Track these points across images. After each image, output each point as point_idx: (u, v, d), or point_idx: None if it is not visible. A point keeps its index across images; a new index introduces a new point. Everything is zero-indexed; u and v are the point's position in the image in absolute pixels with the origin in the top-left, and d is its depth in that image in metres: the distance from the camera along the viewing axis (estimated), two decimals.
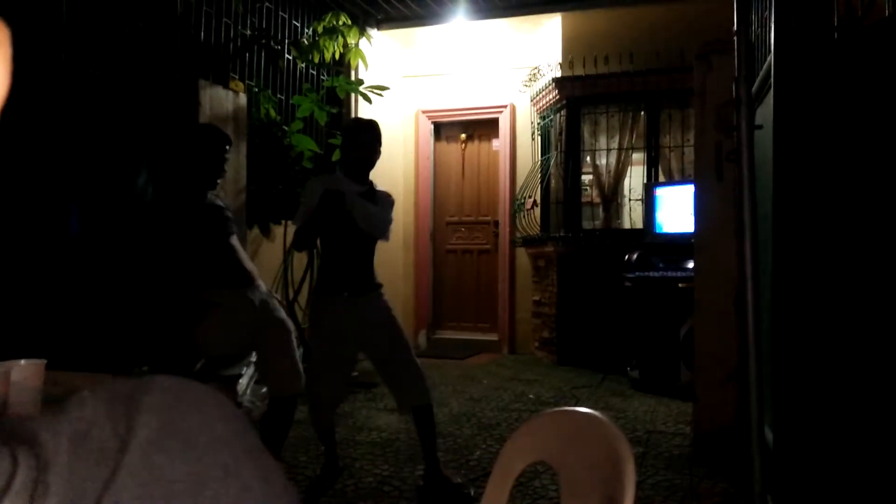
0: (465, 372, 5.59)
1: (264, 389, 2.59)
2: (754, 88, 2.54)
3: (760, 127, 1.99)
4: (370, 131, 2.97)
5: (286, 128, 4.64)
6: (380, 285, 3.01)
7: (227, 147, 2.85)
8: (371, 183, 3.01)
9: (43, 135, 3.12)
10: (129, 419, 0.32)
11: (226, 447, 0.34)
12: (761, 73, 2.58)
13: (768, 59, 2.34)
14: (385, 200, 3.01)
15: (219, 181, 2.88)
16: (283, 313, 2.93)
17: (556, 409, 1.16)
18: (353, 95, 5.46)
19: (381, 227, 2.93)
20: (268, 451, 0.38)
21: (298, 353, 2.91)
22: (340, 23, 4.84)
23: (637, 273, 5.01)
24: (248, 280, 2.84)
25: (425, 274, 7.07)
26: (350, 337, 2.92)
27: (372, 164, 2.99)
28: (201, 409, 0.35)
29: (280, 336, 2.85)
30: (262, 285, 2.92)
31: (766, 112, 2.32)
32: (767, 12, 2.40)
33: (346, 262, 2.93)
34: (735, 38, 1.95)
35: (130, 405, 0.33)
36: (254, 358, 2.60)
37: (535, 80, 6.37)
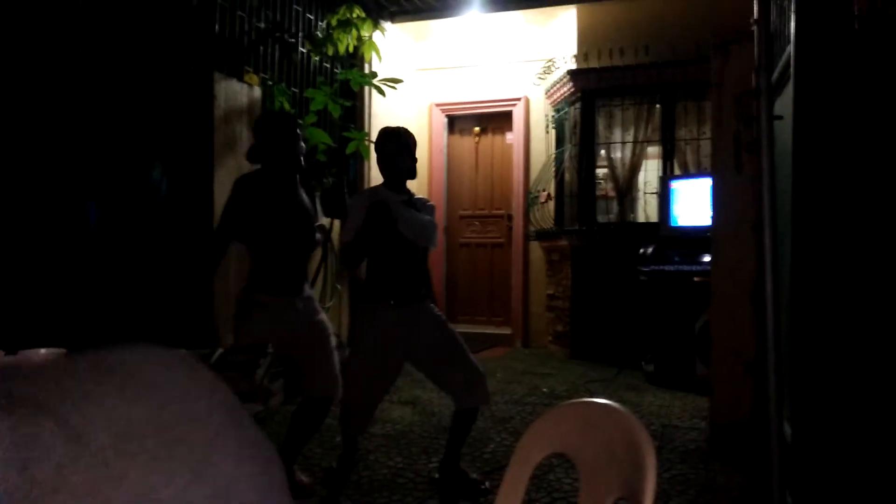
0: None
1: (280, 380, 2.58)
2: (773, 79, 2.51)
3: (780, 118, 1.97)
4: (394, 140, 2.92)
5: (300, 121, 4.65)
6: (427, 295, 2.97)
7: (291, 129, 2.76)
8: (410, 192, 2.98)
9: (58, 128, 3.14)
10: (88, 368, 0.32)
11: (196, 400, 0.34)
12: (780, 64, 2.54)
13: (787, 49, 2.31)
14: (426, 207, 2.98)
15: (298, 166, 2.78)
16: (323, 315, 2.88)
17: (575, 400, 1.15)
18: (366, 88, 5.45)
19: (427, 234, 2.91)
20: (244, 410, 0.38)
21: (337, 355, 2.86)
22: (354, 15, 4.83)
23: (652, 267, 4.98)
24: (300, 288, 2.80)
25: (438, 268, 7.06)
26: (396, 349, 2.86)
27: (405, 172, 2.92)
28: (170, 367, 0.35)
29: (320, 338, 2.80)
30: (307, 288, 2.88)
31: (785, 103, 2.29)
32: (787, 1, 2.36)
33: (393, 273, 2.88)
34: (755, 27, 1.92)
35: (93, 357, 0.33)
36: (271, 349, 2.59)
37: (549, 73, 6.34)
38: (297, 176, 2.81)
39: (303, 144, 2.81)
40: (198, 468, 0.31)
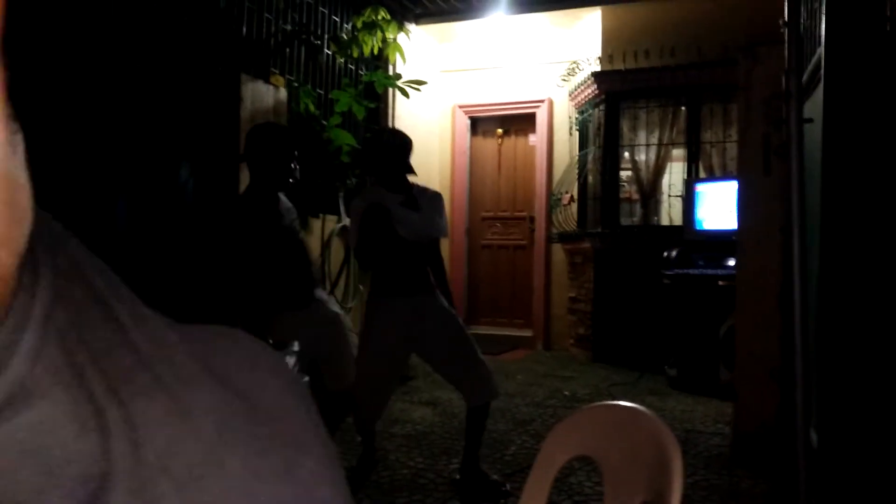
0: (499, 367, 5.57)
1: (306, 378, 2.61)
2: (803, 81, 2.48)
3: (811, 121, 1.94)
4: (378, 142, 2.96)
5: (325, 122, 4.68)
6: (434, 287, 2.98)
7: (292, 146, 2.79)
8: (410, 189, 2.96)
9: (88, 128, 3.19)
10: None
11: (281, 393, 0.33)
12: (810, 66, 2.51)
13: (818, 51, 2.28)
14: (431, 201, 2.97)
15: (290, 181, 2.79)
16: (337, 307, 2.96)
17: (600, 402, 1.15)
18: (391, 90, 5.48)
19: (426, 232, 2.92)
20: (316, 406, 0.36)
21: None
22: (379, 17, 4.86)
23: (676, 270, 4.94)
24: (313, 294, 2.86)
25: (460, 269, 7.07)
26: (402, 340, 2.88)
27: (397, 170, 2.92)
28: (258, 357, 0.34)
29: (336, 331, 2.86)
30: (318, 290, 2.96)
31: (815, 106, 2.26)
32: (818, 3, 2.34)
33: (396, 269, 2.90)
34: (785, 29, 1.90)
35: (193, 335, 0.32)
36: (296, 347, 2.63)
37: (573, 75, 6.31)
38: (281, 192, 2.81)
39: (295, 166, 2.78)
40: (287, 464, 0.30)
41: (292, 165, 2.76)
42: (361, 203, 2.90)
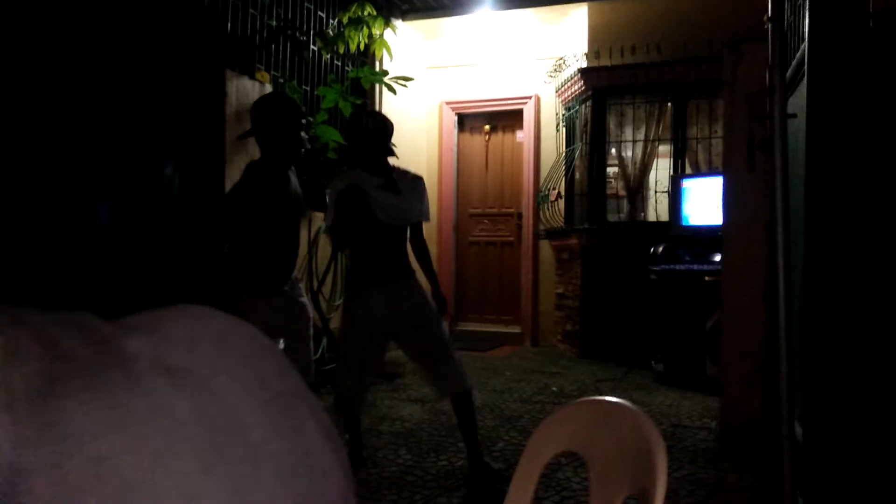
0: (487, 364, 5.58)
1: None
2: (787, 76, 2.49)
3: (794, 116, 1.95)
4: (357, 124, 2.93)
5: (311, 119, 4.66)
6: (412, 272, 2.97)
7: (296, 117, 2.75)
8: (390, 171, 2.93)
9: (70, 126, 3.16)
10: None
11: (252, 389, 0.31)
12: (794, 62, 2.52)
13: (802, 47, 2.29)
14: (412, 185, 2.95)
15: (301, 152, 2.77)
16: (304, 297, 2.95)
17: (586, 398, 1.15)
18: (377, 86, 5.46)
19: (406, 215, 2.91)
20: (317, 402, 0.34)
21: (321, 342, 2.94)
22: (365, 13, 4.83)
23: (662, 266, 4.97)
24: (284, 284, 2.84)
25: (448, 266, 7.07)
26: (380, 326, 2.89)
27: (377, 152, 2.89)
28: (226, 339, 0.33)
29: (298, 321, 2.86)
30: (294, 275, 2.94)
31: (799, 101, 2.28)
32: None
33: (375, 253, 2.90)
34: (768, 24, 1.91)
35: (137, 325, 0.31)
36: (281, 345, 2.62)
37: (560, 71, 6.32)
38: (292, 166, 2.80)
39: (304, 134, 2.78)
40: (238, 483, 0.28)
41: (302, 134, 2.74)
42: (339, 184, 2.88)
